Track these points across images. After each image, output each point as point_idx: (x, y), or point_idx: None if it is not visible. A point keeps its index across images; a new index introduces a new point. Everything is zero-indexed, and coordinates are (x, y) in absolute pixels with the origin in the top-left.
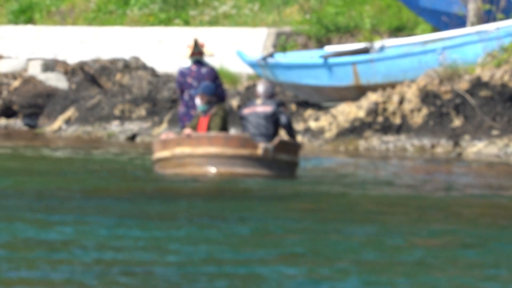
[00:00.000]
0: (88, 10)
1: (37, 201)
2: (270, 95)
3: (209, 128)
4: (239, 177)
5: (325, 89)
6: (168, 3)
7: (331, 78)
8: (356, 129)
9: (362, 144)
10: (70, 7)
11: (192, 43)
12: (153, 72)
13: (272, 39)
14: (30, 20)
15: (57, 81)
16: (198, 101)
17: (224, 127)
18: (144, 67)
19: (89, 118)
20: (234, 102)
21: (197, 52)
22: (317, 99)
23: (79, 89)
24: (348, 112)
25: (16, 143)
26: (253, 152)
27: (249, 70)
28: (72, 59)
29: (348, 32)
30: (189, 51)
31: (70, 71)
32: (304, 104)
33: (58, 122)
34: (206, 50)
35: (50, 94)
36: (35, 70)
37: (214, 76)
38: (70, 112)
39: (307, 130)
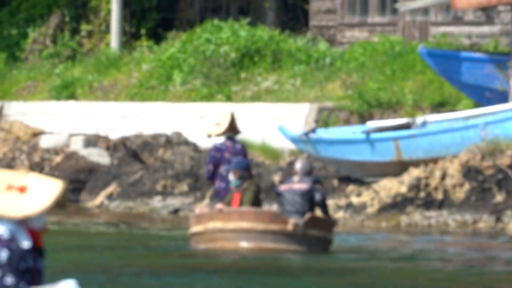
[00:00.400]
0: (130, 85)
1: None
2: (308, 172)
3: (241, 203)
4: (269, 252)
5: (367, 165)
6: (210, 78)
7: (373, 154)
8: (398, 205)
9: (404, 219)
10: (112, 82)
11: (228, 118)
12: (195, 147)
13: (314, 114)
14: (72, 96)
15: (99, 156)
16: (231, 176)
17: (256, 201)
18: (186, 142)
19: (131, 194)
20: (276, 178)
21: (230, 129)
22: (359, 175)
23: (121, 164)
24: (390, 187)
25: (61, 218)
26: (283, 228)
27: (291, 146)
28: (114, 135)
29: (390, 107)
30: (224, 127)
31: (112, 147)
32: (346, 180)
33: (100, 198)
34: (238, 126)
35: (92, 169)
36: (77, 145)
37: (245, 152)
38: (112, 188)
39: (349, 206)
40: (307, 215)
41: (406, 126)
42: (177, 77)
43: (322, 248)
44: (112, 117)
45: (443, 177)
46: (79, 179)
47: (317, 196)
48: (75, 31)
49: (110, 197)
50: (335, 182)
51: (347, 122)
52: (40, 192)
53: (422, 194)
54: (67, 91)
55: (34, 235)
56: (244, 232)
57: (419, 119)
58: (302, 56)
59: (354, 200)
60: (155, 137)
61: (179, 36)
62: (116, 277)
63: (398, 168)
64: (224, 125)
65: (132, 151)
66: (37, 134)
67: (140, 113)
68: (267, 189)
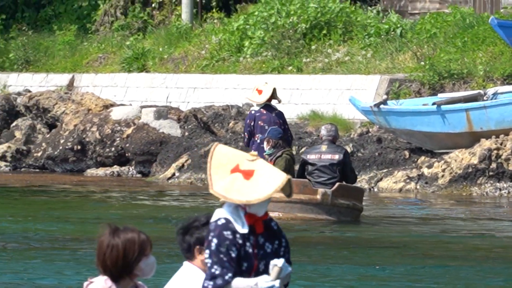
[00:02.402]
0: (200, 57)
1: None
2: (334, 139)
3: None
4: (298, 221)
5: (438, 136)
6: (281, 50)
7: (444, 125)
8: (469, 176)
9: (475, 190)
10: (182, 54)
11: (270, 90)
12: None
13: (385, 86)
14: (143, 68)
15: (170, 128)
16: (265, 145)
17: (288, 170)
18: None
19: (202, 165)
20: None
21: (271, 99)
22: (430, 146)
23: (192, 136)
24: (461, 158)
25: (131, 191)
26: (312, 197)
27: (362, 117)
28: (185, 106)
29: (461, 78)
30: (265, 98)
31: (183, 118)
32: (417, 151)
33: (171, 170)
34: (277, 96)
35: (163, 141)
36: (148, 117)
37: (283, 120)
38: (183, 159)
39: (420, 177)
40: (336, 185)
41: (477, 98)
42: (247, 49)
43: (351, 216)
44: (183, 88)
45: None
46: (150, 151)
47: (347, 167)
48: (146, 3)
49: (181, 169)
50: (406, 154)
51: (418, 93)
52: (265, 180)
53: (493, 166)
54: (138, 63)
55: (254, 220)
56: (274, 202)
57: (490, 90)
58: (372, 28)
59: (426, 171)
60: (226, 108)
61: (249, 7)
62: None
63: (469, 139)
64: (266, 95)
65: (203, 123)
66: (108, 106)
67: (211, 84)
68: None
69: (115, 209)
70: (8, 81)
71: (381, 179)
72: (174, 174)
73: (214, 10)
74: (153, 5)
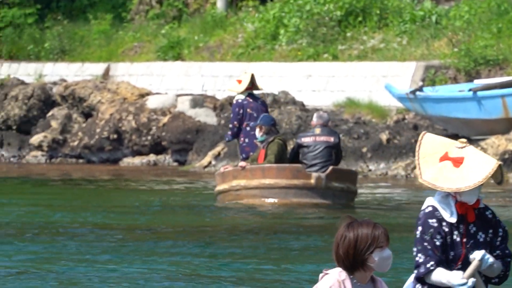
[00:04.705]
0: (236, 45)
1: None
2: (326, 123)
3: (266, 156)
4: (294, 206)
5: (475, 122)
6: (316, 38)
7: (480, 111)
8: (506, 162)
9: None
10: (218, 43)
11: (248, 77)
12: (302, 106)
13: (421, 73)
14: (178, 56)
15: (206, 116)
16: (257, 132)
17: (281, 156)
18: (293, 101)
19: (238, 154)
20: (383, 136)
21: (251, 86)
22: (467, 132)
23: (228, 124)
24: (497, 145)
25: (169, 180)
26: (306, 182)
27: (398, 104)
28: (221, 95)
29: (496, 64)
30: (245, 85)
31: (218, 107)
32: (453, 137)
33: (208, 158)
34: (258, 84)
35: (199, 129)
36: (184, 105)
37: (267, 108)
38: (219, 148)
39: None
40: (330, 168)
41: None
42: (282, 36)
43: (346, 199)
44: (219, 77)
45: None
46: (186, 139)
47: (341, 150)
48: None
49: (217, 157)
50: None
51: (454, 80)
52: (475, 167)
53: None
54: (173, 51)
55: (465, 208)
56: (268, 188)
57: None
58: (407, 15)
59: None
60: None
61: None
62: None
63: (505, 125)
64: (246, 82)
65: None
66: (144, 95)
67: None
68: (375, 148)
69: (152, 197)
70: (43, 70)
71: None
72: (210, 163)
73: None
74: None
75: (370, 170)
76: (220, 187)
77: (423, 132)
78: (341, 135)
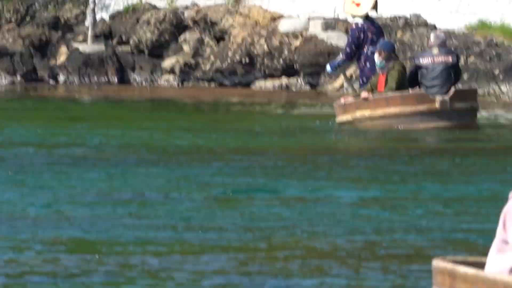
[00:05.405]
0: None
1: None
2: (444, 43)
3: (386, 83)
4: (420, 131)
5: None
6: None
7: None
8: None
9: None
10: None
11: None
12: (434, 29)
13: None
14: None
15: (338, 39)
16: (376, 57)
17: (402, 82)
18: (425, 24)
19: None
20: None
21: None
22: None
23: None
24: None
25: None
26: (431, 107)
27: None
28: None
29: None
30: (368, 8)
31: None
32: None
33: (340, 80)
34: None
35: (331, 52)
36: (316, 29)
37: (383, 33)
38: (352, 70)
39: None
40: (452, 90)
41: None
42: None
43: (470, 118)
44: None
45: None
46: (318, 62)
47: (460, 69)
48: None
49: (350, 79)
50: None
51: None
52: None
53: None
54: None
55: None
56: (394, 117)
57: None
58: None
59: None
60: (393, 19)
61: None
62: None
63: None
64: (368, 5)
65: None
66: (275, 18)
67: None
68: (506, 69)
69: (283, 121)
70: None
71: None
72: (342, 85)
73: None
74: None
75: (502, 93)
76: (342, 118)
77: None
78: (472, 58)
